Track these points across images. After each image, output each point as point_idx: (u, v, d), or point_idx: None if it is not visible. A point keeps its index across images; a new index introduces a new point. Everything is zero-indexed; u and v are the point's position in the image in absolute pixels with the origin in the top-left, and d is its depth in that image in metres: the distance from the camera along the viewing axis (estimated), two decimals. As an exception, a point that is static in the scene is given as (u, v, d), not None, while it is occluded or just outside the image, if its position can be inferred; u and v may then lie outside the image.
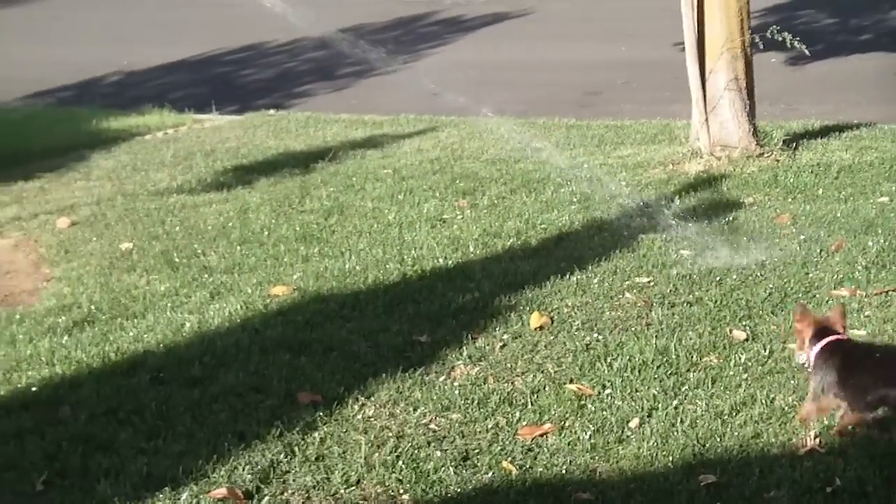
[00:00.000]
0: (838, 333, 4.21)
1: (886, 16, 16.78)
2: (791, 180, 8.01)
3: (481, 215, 7.65)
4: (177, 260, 6.98)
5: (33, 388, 4.94)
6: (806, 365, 4.29)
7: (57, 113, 14.07)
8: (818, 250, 6.30)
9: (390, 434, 4.37)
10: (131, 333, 5.63)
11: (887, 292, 5.56)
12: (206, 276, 6.60)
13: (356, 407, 4.62)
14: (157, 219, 8.24)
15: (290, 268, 6.68)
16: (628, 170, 8.81)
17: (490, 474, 4.01)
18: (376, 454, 4.19)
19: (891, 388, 4.00)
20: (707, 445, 4.14)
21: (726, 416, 4.35)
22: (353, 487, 3.99)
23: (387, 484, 3.99)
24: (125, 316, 5.94)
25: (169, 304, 6.08)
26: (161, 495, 3.93)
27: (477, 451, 4.21)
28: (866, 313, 5.33)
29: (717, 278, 5.95)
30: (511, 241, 6.95)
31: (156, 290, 6.37)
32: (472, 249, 6.78)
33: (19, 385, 4.99)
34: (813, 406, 4.18)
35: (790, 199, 7.53)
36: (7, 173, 10.32)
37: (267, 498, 3.91)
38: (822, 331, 4.21)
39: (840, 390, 4.09)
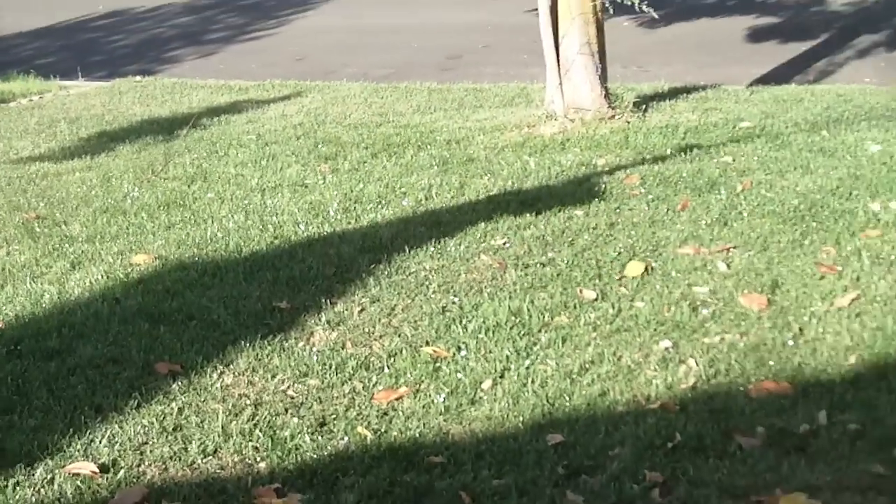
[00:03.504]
0: None
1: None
2: (641, 141, 8.27)
3: (342, 180, 7.73)
4: (38, 230, 6.95)
5: None
6: None
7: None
8: (665, 209, 6.52)
9: (248, 402, 4.43)
10: (-11, 307, 5.60)
11: (728, 249, 5.78)
12: (68, 245, 6.58)
13: (215, 376, 4.67)
14: (18, 188, 8.17)
15: (152, 236, 6.69)
16: (486, 133, 8.98)
17: (345, 440, 4.09)
18: (234, 423, 4.24)
19: None
20: (556, 405, 4.26)
21: (575, 375, 4.48)
22: (211, 457, 4.03)
23: (244, 452, 4.04)
24: (-18, 289, 5.91)
25: (28, 275, 6.06)
26: (13, 471, 3.93)
27: (333, 416, 4.29)
28: (708, 269, 5.53)
29: (570, 239, 6.12)
30: (371, 205, 7.04)
31: (16, 261, 6.33)
32: (332, 214, 6.86)
33: None
34: None
35: (640, 160, 7.75)
36: None
37: (123, 470, 3.93)
38: None
39: None
